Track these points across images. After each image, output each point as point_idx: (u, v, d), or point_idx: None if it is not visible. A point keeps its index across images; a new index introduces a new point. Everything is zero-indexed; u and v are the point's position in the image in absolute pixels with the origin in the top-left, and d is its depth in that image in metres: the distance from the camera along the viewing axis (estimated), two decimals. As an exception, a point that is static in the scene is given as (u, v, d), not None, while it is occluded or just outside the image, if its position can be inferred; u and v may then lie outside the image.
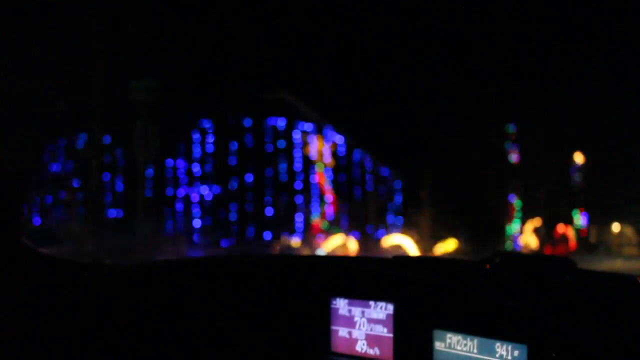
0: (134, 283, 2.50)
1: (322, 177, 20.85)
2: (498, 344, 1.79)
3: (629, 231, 26.31)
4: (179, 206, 17.28)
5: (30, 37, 13.70)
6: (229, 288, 2.37)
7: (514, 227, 25.62)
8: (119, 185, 15.20)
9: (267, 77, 19.27)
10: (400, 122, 25.30)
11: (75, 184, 14.78)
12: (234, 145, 19.12)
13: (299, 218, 20.37)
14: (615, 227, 26.80)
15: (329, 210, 21.08)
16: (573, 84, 23.71)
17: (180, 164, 17.66)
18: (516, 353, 1.75)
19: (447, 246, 22.92)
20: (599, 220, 27.06)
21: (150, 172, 16.65)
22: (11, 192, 1.82)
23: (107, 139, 14.97)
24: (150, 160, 16.64)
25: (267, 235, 19.33)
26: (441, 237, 23.39)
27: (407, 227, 22.95)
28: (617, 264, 21.19)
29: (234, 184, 18.97)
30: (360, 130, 21.98)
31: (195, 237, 17.84)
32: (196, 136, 18.14)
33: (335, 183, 21.42)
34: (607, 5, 22.43)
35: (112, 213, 15.16)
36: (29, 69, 13.77)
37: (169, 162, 17.29)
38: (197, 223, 18.01)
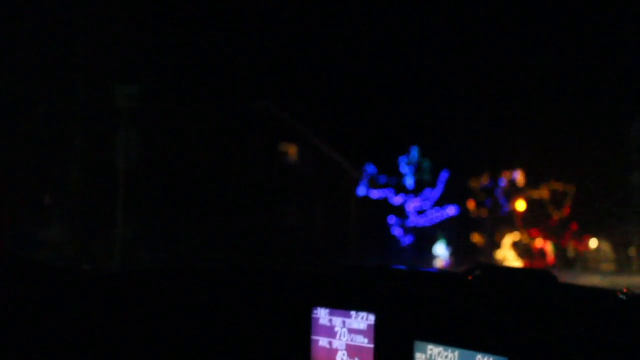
0: (111, 290, 2.48)
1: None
2: (479, 356, 1.79)
3: (606, 247, 26.50)
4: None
5: (11, 40, 13.61)
6: (209, 297, 2.35)
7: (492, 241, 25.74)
8: (100, 191, 15.07)
9: (251, 85, 19.27)
10: (381, 131, 25.43)
11: (55, 189, 14.64)
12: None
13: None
14: (593, 242, 26.99)
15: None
16: (555, 104, 23.90)
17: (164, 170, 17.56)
18: (497, 365, 1.75)
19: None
20: (576, 235, 27.24)
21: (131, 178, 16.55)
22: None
23: (88, 144, 14.85)
24: (132, 166, 16.57)
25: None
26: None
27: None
28: (594, 280, 21.31)
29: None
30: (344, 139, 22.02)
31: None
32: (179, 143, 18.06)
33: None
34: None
35: (93, 219, 15.03)
36: (9, 72, 13.69)
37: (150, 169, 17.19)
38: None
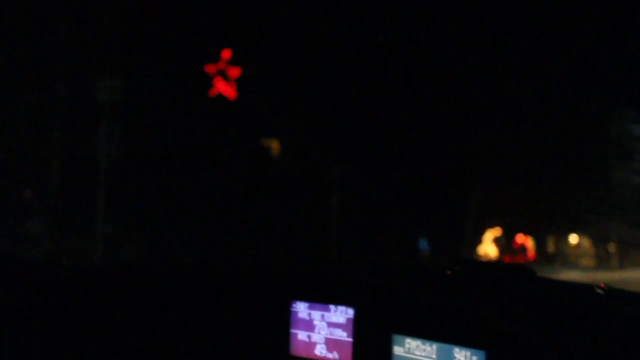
0: (91, 285, 2.47)
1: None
2: (457, 349, 1.79)
3: (586, 243, 26.69)
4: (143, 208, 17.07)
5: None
6: (189, 292, 2.35)
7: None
8: (81, 186, 14.97)
9: (235, 80, 19.21)
10: (361, 127, 25.46)
11: (36, 183, 14.53)
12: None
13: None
14: (573, 238, 27.17)
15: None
16: (533, 98, 24.00)
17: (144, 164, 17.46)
18: (474, 359, 1.76)
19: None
20: (557, 231, 27.40)
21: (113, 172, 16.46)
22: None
23: (69, 138, 14.75)
24: (113, 161, 16.48)
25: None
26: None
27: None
28: (574, 275, 21.46)
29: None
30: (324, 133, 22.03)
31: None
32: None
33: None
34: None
35: (74, 213, 14.94)
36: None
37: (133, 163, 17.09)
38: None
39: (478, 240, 26.20)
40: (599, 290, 2.06)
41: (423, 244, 24.48)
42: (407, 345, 1.91)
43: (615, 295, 2.06)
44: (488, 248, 26.05)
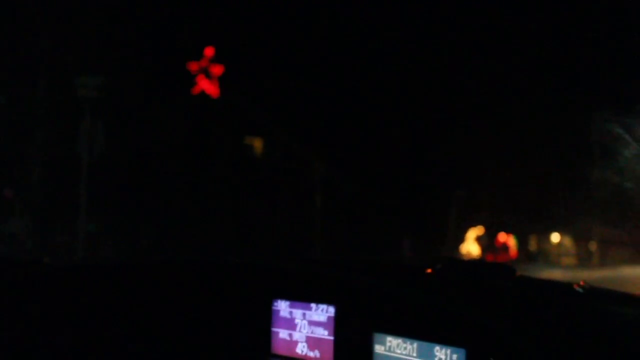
0: (72, 283, 2.46)
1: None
2: (437, 347, 1.80)
3: (568, 241, 26.83)
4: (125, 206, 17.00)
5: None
6: (170, 290, 2.34)
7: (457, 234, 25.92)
8: (63, 184, 14.90)
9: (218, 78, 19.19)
10: (345, 126, 25.49)
11: (17, 181, 14.45)
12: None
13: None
14: (555, 237, 27.30)
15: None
16: (511, 95, 24.09)
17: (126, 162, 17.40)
18: (455, 357, 1.76)
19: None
20: (539, 230, 27.53)
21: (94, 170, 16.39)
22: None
23: (50, 136, 14.68)
24: (95, 158, 16.41)
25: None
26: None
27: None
28: (555, 274, 21.55)
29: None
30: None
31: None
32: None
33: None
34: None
35: (55, 212, 14.88)
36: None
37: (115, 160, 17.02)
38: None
39: (460, 239, 26.28)
40: (578, 289, 2.08)
41: (406, 243, 24.53)
42: (388, 344, 1.91)
43: (594, 293, 2.07)
44: (470, 247, 26.12)
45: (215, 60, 18.92)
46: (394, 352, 1.90)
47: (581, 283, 2.14)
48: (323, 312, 2.07)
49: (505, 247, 27.06)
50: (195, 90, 18.72)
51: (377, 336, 1.94)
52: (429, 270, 2.12)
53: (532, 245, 28.02)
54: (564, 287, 2.14)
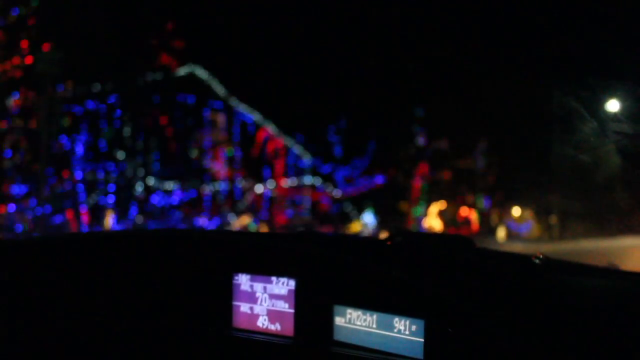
0: (31, 256, 2.44)
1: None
2: (396, 319, 1.82)
3: (529, 214, 27.16)
4: (81, 183, 16.83)
5: None
6: (131, 262, 2.33)
7: (419, 210, 26.10)
8: (21, 160, 14.74)
9: (178, 52, 19.06)
10: (311, 101, 25.44)
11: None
12: (142, 121, 18.81)
13: (206, 198, 20.19)
14: (516, 210, 27.61)
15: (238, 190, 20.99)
16: (479, 70, 24.20)
17: (85, 139, 17.25)
18: (414, 328, 1.78)
19: (354, 228, 23.24)
20: (500, 203, 27.83)
21: (53, 147, 16.19)
22: None
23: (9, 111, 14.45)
24: (54, 134, 16.23)
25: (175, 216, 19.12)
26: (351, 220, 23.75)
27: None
28: (516, 246, 21.83)
29: (139, 161, 18.62)
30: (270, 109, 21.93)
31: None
32: (103, 111, 17.72)
33: (245, 162, 21.32)
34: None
35: (14, 189, 14.71)
36: None
37: (73, 137, 16.87)
38: (102, 201, 17.63)
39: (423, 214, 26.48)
40: (535, 260, 2.11)
41: (369, 217, 24.67)
42: (348, 316, 1.93)
43: (550, 264, 2.11)
44: (433, 221, 26.33)
45: (176, 35, 18.78)
46: (354, 323, 1.92)
47: (538, 254, 2.17)
48: (284, 286, 2.08)
49: (467, 221, 27.33)
50: (157, 64, 18.59)
51: (338, 308, 1.95)
52: (388, 243, 2.14)
53: (494, 219, 28.30)
54: (522, 259, 2.16)
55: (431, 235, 2.16)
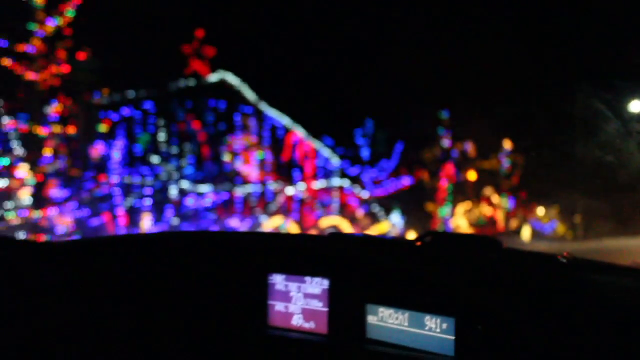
0: (67, 258, 2.46)
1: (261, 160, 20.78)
2: (427, 317, 1.83)
3: (553, 214, 26.93)
4: (117, 187, 16.99)
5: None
6: (167, 265, 2.35)
7: (445, 210, 25.98)
8: (60, 165, 14.91)
9: (210, 59, 19.18)
10: (338, 105, 25.49)
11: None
12: (175, 127, 18.93)
13: (238, 200, 20.26)
14: (540, 210, 27.39)
15: (270, 191, 21.03)
16: (504, 73, 24.05)
17: (121, 144, 17.40)
18: (444, 325, 1.79)
19: (382, 228, 23.18)
20: (524, 203, 27.63)
21: (91, 152, 16.37)
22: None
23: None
24: (91, 140, 16.42)
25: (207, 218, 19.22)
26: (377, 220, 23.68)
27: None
28: (541, 245, 21.66)
29: (173, 165, 18.75)
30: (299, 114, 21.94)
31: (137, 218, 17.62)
32: (137, 117, 17.88)
33: (275, 164, 21.35)
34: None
35: (55, 193, 14.89)
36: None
37: (109, 142, 17.04)
38: (138, 204, 17.78)
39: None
40: (561, 259, 2.10)
41: (397, 217, 24.61)
42: (380, 314, 1.94)
43: (576, 263, 2.09)
44: (459, 221, 26.19)
45: (207, 42, 18.90)
46: (386, 322, 1.93)
47: (564, 254, 2.15)
48: (317, 285, 2.09)
49: (492, 220, 27.16)
50: (188, 70, 18.73)
51: (370, 307, 1.96)
52: (418, 243, 2.14)
53: (518, 218, 28.11)
54: (548, 258, 2.15)
55: (460, 236, 2.15)
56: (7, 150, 13.99)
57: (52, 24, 14.37)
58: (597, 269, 2.11)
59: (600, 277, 2.03)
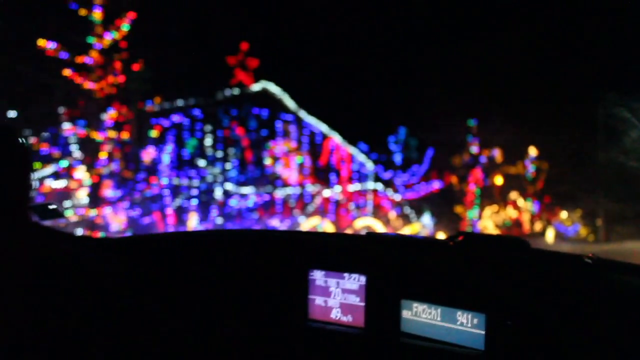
0: (126, 254, 2.49)
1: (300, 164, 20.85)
2: (459, 312, 1.82)
3: (576, 217, 26.62)
4: (167, 188, 17.17)
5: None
6: (214, 261, 2.37)
7: (473, 212, 25.82)
8: (115, 168, 15.11)
9: (253, 70, 19.33)
10: (373, 113, 25.51)
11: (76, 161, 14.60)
12: (221, 132, 19.08)
13: (278, 201, 20.35)
14: (564, 213, 27.11)
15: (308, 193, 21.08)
16: (530, 82, 23.86)
17: (171, 149, 17.59)
18: (475, 321, 1.78)
19: (414, 229, 23.11)
20: (549, 206, 27.38)
21: (143, 156, 16.56)
22: (21, 165, 1.77)
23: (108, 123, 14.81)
24: (144, 144, 16.62)
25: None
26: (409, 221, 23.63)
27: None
28: (564, 247, 21.40)
29: (218, 168, 18.90)
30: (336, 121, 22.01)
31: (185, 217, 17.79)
32: (186, 123, 18.06)
33: (313, 168, 21.40)
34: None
35: (109, 193, 15.09)
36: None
37: (160, 147, 17.23)
38: (186, 204, 17.95)
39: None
40: (587, 260, 2.08)
41: (427, 219, 24.52)
42: (414, 309, 1.93)
43: (601, 264, 2.07)
44: (486, 223, 26.01)
45: (251, 54, 19.04)
46: (420, 317, 1.92)
47: (590, 255, 2.13)
48: (355, 281, 2.09)
49: (517, 223, 26.94)
50: (234, 80, 18.90)
51: (405, 302, 1.96)
52: (450, 243, 2.13)
53: (543, 221, 27.84)
54: (574, 259, 2.13)
55: (489, 236, 2.14)
56: (67, 154, 14.21)
57: (109, 37, 14.58)
58: (621, 269, 2.08)
59: (624, 277, 2.01)
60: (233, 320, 2.22)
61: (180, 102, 17.80)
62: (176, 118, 17.72)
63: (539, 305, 1.65)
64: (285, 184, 20.56)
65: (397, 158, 25.86)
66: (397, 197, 24.03)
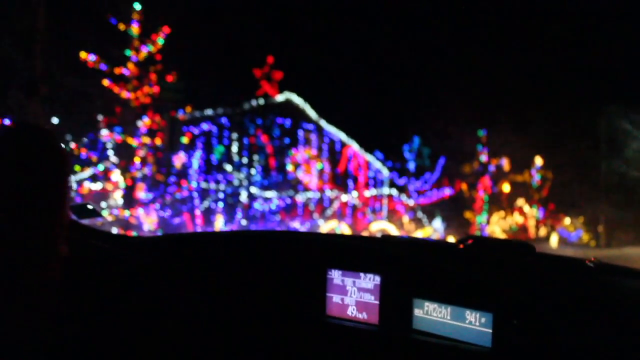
0: (158, 252, 2.51)
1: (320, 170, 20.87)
2: (468, 311, 1.81)
3: (578, 223, 26.42)
4: (196, 191, 17.27)
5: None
6: (239, 259, 2.38)
7: (481, 218, 25.70)
8: (148, 171, 15.21)
9: (277, 81, 19.41)
10: (389, 123, 25.50)
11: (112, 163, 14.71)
12: (247, 140, 19.17)
13: (299, 205, 20.39)
14: (567, 220, 26.91)
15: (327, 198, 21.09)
16: (536, 94, 23.76)
17: (200, 154, 17.69)
18: (483, 320, 1.77)
19: (426, 232, 23.04)
20: (553, 213, 27.20)
21: (174, 160, 16.66)
22: (60, 167, 1.79)
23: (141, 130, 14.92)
24: (175, 150, 16.72)
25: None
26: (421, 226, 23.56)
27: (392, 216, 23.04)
28: (568, 252, 21.23)
29: (244, 173, 18.98)
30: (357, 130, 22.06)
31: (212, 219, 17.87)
32: (215, 131, 18.16)
33: (332, 174, 21.42)
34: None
35: (142, 195, 15.18)
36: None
37: (190, 152, 17.33)
38: (213, 206, 18.02)
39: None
40: (589, 264, 2.06)
41: (438, 223, 24.44)
42: (425, 308, 1.93)
43: (602, 267, 2.06)
44: (494, 228, 25.89)
45: (275, 67, 19.11)
46: (430, 315, 1.91)
47: (592, 259, 2.12)
48: (370, 281, 2.09)
49: (523, 228, 26.78)
50: (260, 91, 18.98)
51: (417, 301, 1.95)
52: (460, 246, 2.13)
53: (547, 227, 27.66)
54: (577, 262, 2.12)
55: (497, 240, 2.13)
56: (104, 158, 14.32)
57: (145, 50, 14.69)
58: (621, 273, 2.07)
59: (624, 280, 1.99)
60: (256, 315, 2.22)
61: (209, 111, 17.90)
62: (205, 126, 17.83)
63: (543, 305, 1.64)
64: (306, 189, 20.59)
65: (411, 166, 25.83)
66: (411, 203, 23.97)
